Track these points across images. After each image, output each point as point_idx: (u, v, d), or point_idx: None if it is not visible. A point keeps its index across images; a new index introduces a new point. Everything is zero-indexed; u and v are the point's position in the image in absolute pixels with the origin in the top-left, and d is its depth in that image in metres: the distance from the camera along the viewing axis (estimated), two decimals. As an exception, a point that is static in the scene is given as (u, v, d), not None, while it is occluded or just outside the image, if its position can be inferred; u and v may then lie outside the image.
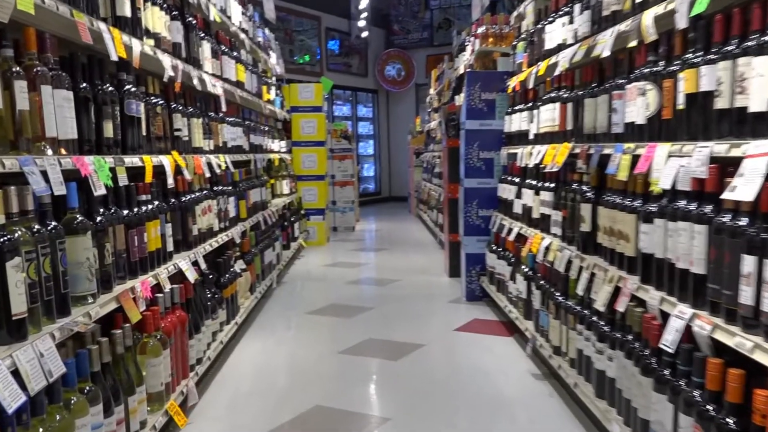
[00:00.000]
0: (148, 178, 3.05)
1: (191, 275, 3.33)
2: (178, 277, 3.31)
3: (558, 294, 3.45)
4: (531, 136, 4.49)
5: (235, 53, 5.44)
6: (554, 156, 3.72)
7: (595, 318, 2.92)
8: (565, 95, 3.75)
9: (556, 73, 3.77)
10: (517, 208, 4.67)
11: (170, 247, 3.29)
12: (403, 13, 17.50)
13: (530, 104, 4.58)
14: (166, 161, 3.28)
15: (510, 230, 4.71)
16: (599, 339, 2.81)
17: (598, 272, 2.95)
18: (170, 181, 3.29)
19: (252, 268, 5.04)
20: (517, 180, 4.76)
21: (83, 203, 2.43)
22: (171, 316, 3.00)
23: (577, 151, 3.42)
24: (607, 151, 3.02)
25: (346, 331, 4.91)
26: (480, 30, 7.12)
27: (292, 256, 7.55)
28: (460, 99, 8.07)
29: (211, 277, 4.04)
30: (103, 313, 2.36)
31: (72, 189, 2.25)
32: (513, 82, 5.01)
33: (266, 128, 7.10)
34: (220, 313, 3.94)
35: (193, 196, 3.75)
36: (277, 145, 7.88)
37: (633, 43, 2.82)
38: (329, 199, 10.71)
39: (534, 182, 4.26)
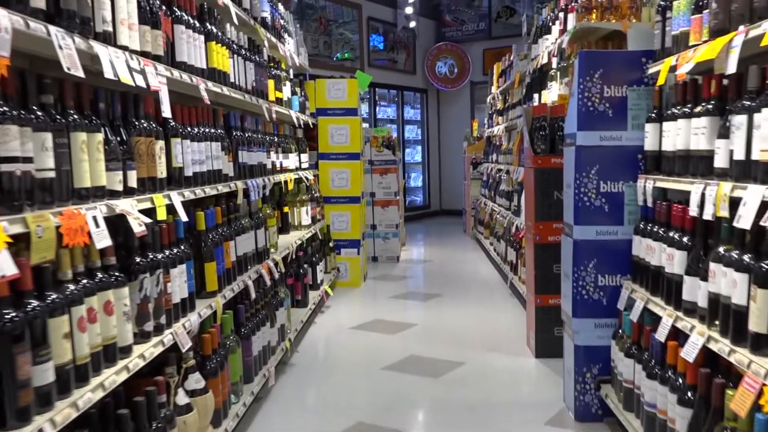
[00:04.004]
0: None
1: None
2: None
3: None
4: (721, 164, 2.34)
5: (208, 26, 3.43)
6: None
7: None
8: None
9: None
10: (696, 295, 2.49)
11: None
12: (457, 2, 15.25)
13: (716, 102, 2.42)
14: None
15: (680, 335, 2.54)
16: None
17: None
18: None
19: (219, 381, 2.98)
20: (687, 241, 2.60)
21: None
22: None
23: None
24: None
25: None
26: (575, 1, 4.97)
27: (311, 313, 5.51)
28: (544, 96, 5.92)
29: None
30: None
31: None
32: (667, 65, 2.84)
33: (274, 139, 5.08)
34: None
35: (43, 301, 1.75)
36: (293, 160, 5.83)
37: None
38: (368, 223, 8.65)
39: (751, 260, 2.10)
